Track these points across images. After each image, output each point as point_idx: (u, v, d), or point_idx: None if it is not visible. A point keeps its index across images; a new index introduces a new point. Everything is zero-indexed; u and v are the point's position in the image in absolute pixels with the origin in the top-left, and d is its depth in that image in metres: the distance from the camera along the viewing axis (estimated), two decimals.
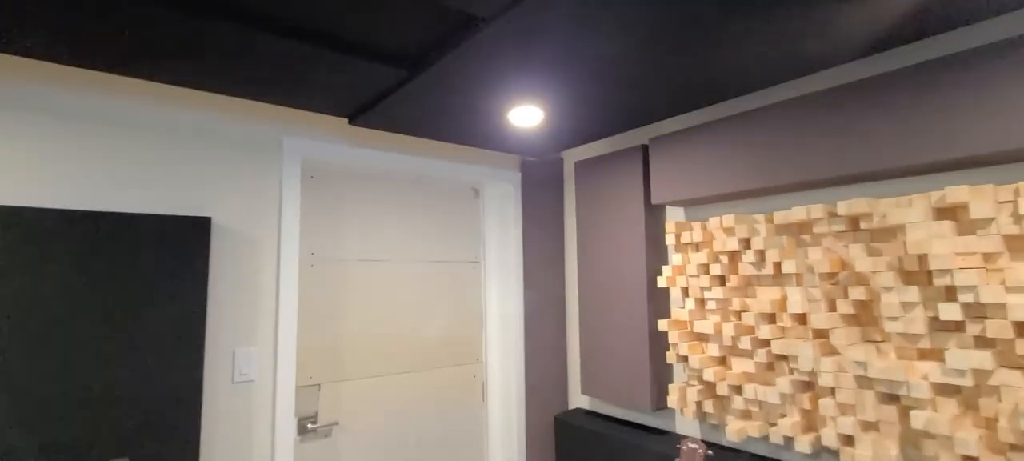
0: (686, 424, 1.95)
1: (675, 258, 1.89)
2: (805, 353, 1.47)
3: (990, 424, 1.21)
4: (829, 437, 1.43)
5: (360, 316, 2.15)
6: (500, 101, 1.71)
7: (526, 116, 1.85)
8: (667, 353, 1.87)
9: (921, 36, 1.35)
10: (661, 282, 1.89)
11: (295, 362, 1.83)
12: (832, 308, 1.47)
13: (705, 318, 1.79)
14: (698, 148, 1.78)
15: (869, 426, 1.38)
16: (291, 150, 1.87)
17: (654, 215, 2.03)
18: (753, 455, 1.71)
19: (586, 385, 2.21)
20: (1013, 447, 1.18)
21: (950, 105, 1.25)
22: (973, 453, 1.19)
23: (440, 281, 2.40)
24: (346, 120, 2.02)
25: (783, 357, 1.58)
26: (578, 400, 2.42)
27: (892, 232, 1.38)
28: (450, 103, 1.73)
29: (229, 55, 1.40)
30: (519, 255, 2.51)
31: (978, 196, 1.22)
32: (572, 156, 2.51)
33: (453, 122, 1.95)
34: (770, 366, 1.61)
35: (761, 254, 1.62)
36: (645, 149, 2.03)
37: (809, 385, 1.53)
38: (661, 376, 1.97)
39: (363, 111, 1.86)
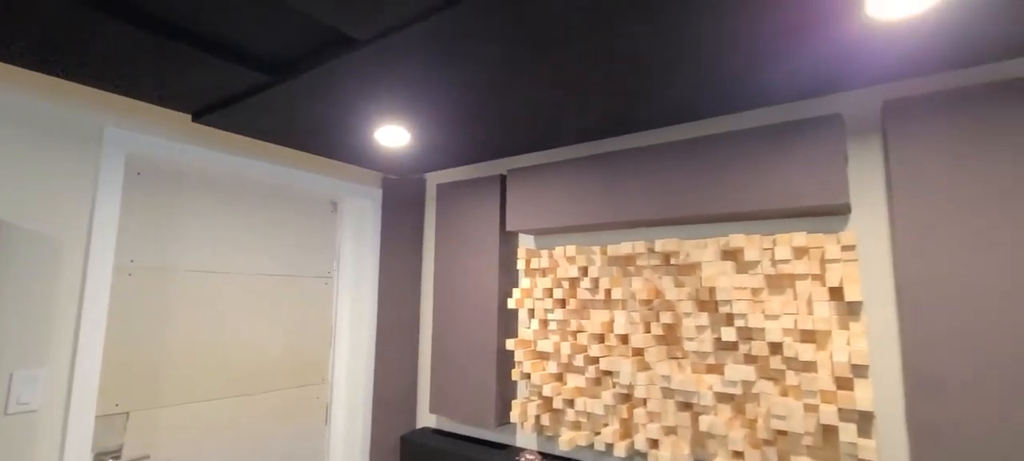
0: (526, 437, 2.09)
1: (524, 282, 2.04)
2: (625, 369, 1.70)
3: (752, 425, 1.52)
4: (640, 442, 1.66)
5: (186, 333, 1.92)
6: (368, 119, 1.71)
7: (392, 136, 1.87)
8: (512, 371, 2.00)
9: (725, 112, 1.68)
10: (511, 304, 2.02)
11: (97, 386, 1.57)
12: (647, 330, 1.72)
13: (547, 338, 1.96)
14: (551, 183, 1.97)
15: (669, 431, 1.64)
16: (114, 142, 1.64)
17: (508, 241, 2.17)
18: None
19: (434, 403, 2.24)
20: (767, 442, 1.50)
21: (735, 170, 1.57)
22: (740, 449, 1.48)
23: (286, 297, 2.25)
24: (189, 116, 1.83)
25: (608, 373, 1.80)
26: (426, 419, 2.44)
27: (693, 268, 1.68)
28: (315, 115, 1.69)
29: (49, 27, 1.21)
30: (375, 272, 2.48)
31: (750, 243, 1.55)
32: (435, 178, 2.58)
33: (316, 134, 1.89)
34: (598, 381, 1.82)
35: (596, 282, 1.83)
36: (503, 178, 2.18)
37: (627, 397, 1.76)
38: (505, 393, 2.09)
39: (212, 110, 1.71)
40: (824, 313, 1.41)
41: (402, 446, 2.29)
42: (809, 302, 1.45)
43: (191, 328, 1.93)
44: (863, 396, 1.33)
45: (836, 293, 1.44)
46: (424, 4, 1.08)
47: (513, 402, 1.97)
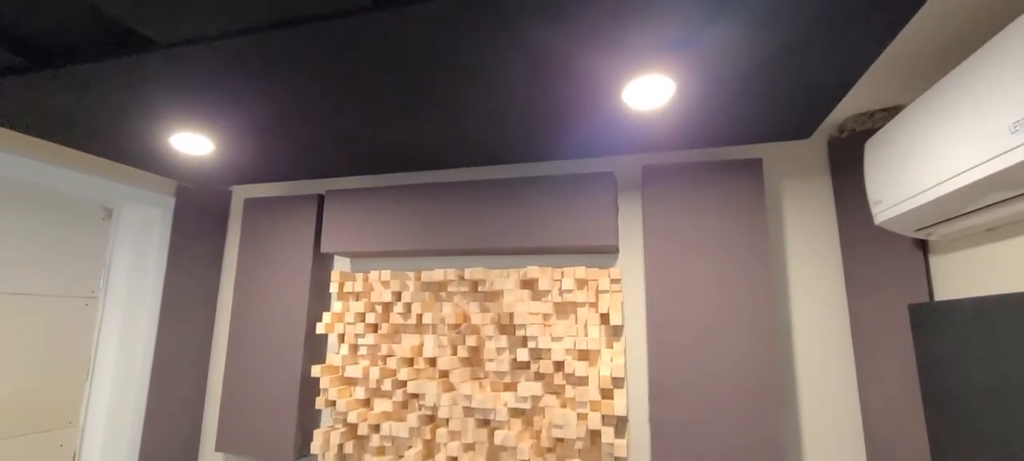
0: None
1: (336, 306, 2.00)
2: (431, 391, 1.77)
3: (538, 435, 1.72)
4: (441, 460, 1.74)
5: None
6: (162, 123, 1.53)
7: (192, 143, 1.69)
8: (317, 398, 1.92)
9: (527, 160, 1.92)
10: (320, 328, 1.95)
11: None
12: (454, 353, 1.83)
13: (356, 363, 1.93)
14: (370, 206, 1.98)
15: (469, 447, 1.75)
16: None
17: (322, 263, 2.11)
18: None
19: (222, 440, 2.02)
20: (549, 450, 1.71)
21: (534, 209, 1.80)
22: (527, 457, 1.66)
23: (27, 322, 1.82)
24: None
25: (415, 395, 1.85)
26: (210, 459, 2.17)
27: (496, 295, 1.86)
28: (95, 112, 1.45)
29: None
30: (157, 291, 2.16)
31: (543, 274, 1.78)
32: (243, 192, 2.38)
33: (95, 132, 1.61)
34: (405, 404, 1.86)
35: (408, 306, 1.89)
36: (321, 198, 2.12)
37: (431, 418, 1.83)
38: (307, 422, 1.98)
39: None
40: (596, 335, 1.69)
41: None
42: (585, 326, 1.73)
43: None
44: (619, 403, 1.62)
45: (605, 318, 1.74)
46: (224, 24, 1.05)
47: (315, 431, 1.88)
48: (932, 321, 1.21)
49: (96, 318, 2.06)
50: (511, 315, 1.78)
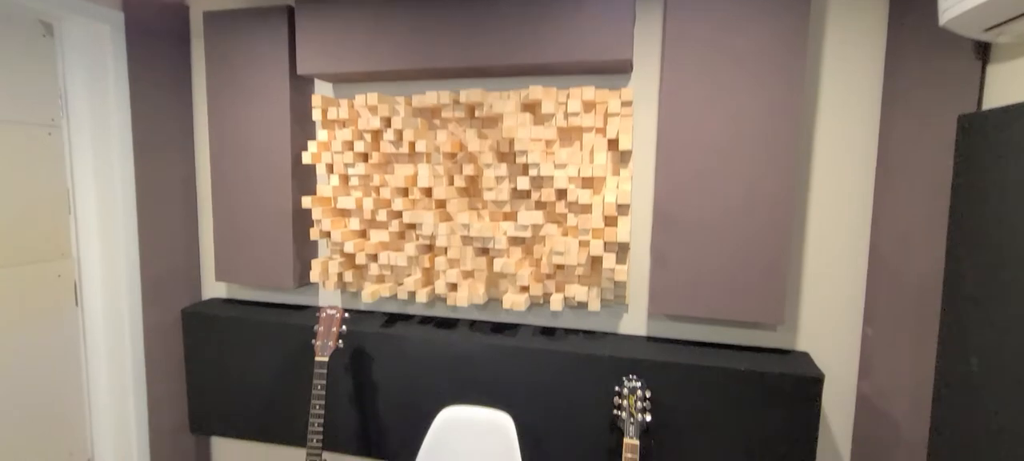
0: (328, 296, 2.03)
1: (321, 135, 1.85)
2: (428, 221, 1.71)
3: (537, 263, 1.70)
4: (440, 287, 1.74)
5: None
6: None
7: None
8: (311, 230, 1.87)
9: None
10: (306, 158, 1.83)
11: None
12: (451, 182, 1.73)
13: (348, 194, 1.84)
14: (350, 21, 1.72)
15: (468, 274, 1.74)
16: None
17: (300, 88, 1.91)
18: (384, 313, 1.94)
19: (222, 271, 2.01)
20: (549, 276, 1.70)
21: (536, 23, 1.56)
22: (526, 283, 1.65)
23: None
24: None
25: (412, 226, 1.79)
26: (214, 289, 2.19)
27: (495, 120, 1.70)
28: None
29: None
30: (126, 121, 1.98)
31: (547, 96, 1.61)
32: (202, 4, 2.07)
33: None
34: (401, 235, 1.81)
35: (400, 134, 1.74)
36: (291, 11, 1.85)
37: (429, 247, 1.80)
38: (304, 253, 1.96)
39: None
40: (602, 161, 1.58)
41: (184, 321, 2.04)
42: (591, 152, 1.60)
43: None
44: (623, 230, 1.57)
45: (613, 144, 1.61)
46: None
47: (313, 261, 1.86)
48: (986, 130, 1.09)
49: (64, 149, 1.91)
50: (511, 142, 1.64)
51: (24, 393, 1.82)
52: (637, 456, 1.45)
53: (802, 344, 1.60)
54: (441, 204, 1.75)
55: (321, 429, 1.61)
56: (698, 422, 1.54)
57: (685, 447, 1.56)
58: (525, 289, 1.69)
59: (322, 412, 1.61)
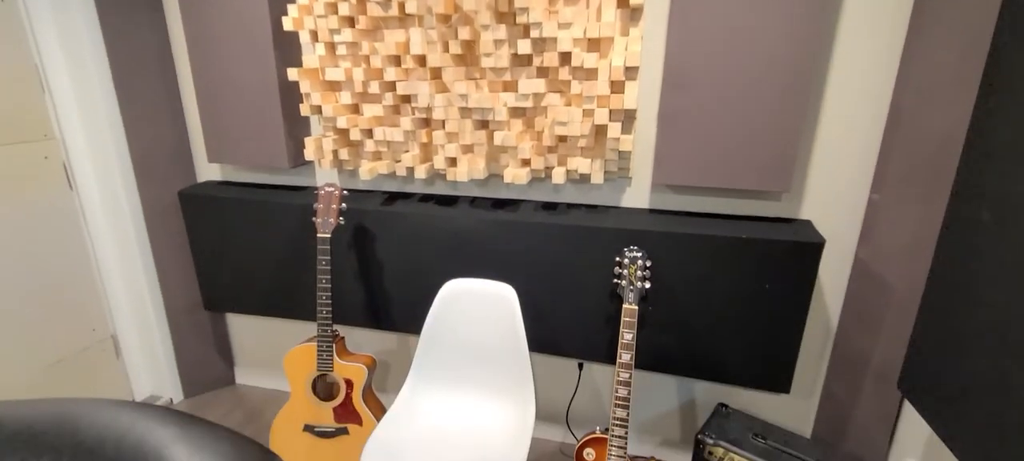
0: (325, 174, 1.99)
1: None
2: (423, 91, 1.61)
3: (539, 136, 1.63)
4: (439, 162, 1.69)
5: None
6: None
7: None
8: (301, 105, 1.78)
9: None
10: (287, 24, 1.68)
11: None
12: (446, 49, 1.60)
13: (337, 65, 1.72)
14: None
15: (467, 149, 1.69)
16: None
17: None
18: (384, 191, 1.92)
19: (213, 152, 1.95)
20: (550, 149, 1.64)
21: None
22: (528, 157, 1.60)
23: None
24: None
25: (406, 98, 1.70)
26: (208, 171, 2.15)
27: None
28: None
29: None
30: None
31: None
32: None
33: None
34: (396, 108, 1.72)
35: None
36: None
37: (426, 121, 1.72)
38: (297, 130, 1.89)
39: None
40: (610, 19, 1.44)
41: (182, 203, 2.02)
42: (599, 9, 1.46)
43: None
44: (630, 96, 1.48)
45: (622, 1, 1.46)
46: None
47: (306, 140, 1.79)
48: None
49: (22, 20, 1.75)
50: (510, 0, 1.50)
51: (37, 275, 1.85)
52: (635, 320, 1.50)
53: (806, 212, 1.59)
54: (436, 73, 1.64)
55: (330, 301, 1.66)
56: (695, 289, 1.58)
57: (681, 312, 1.61)
58: (527, 163, 1.65)
59: (329, 287, 1.65)
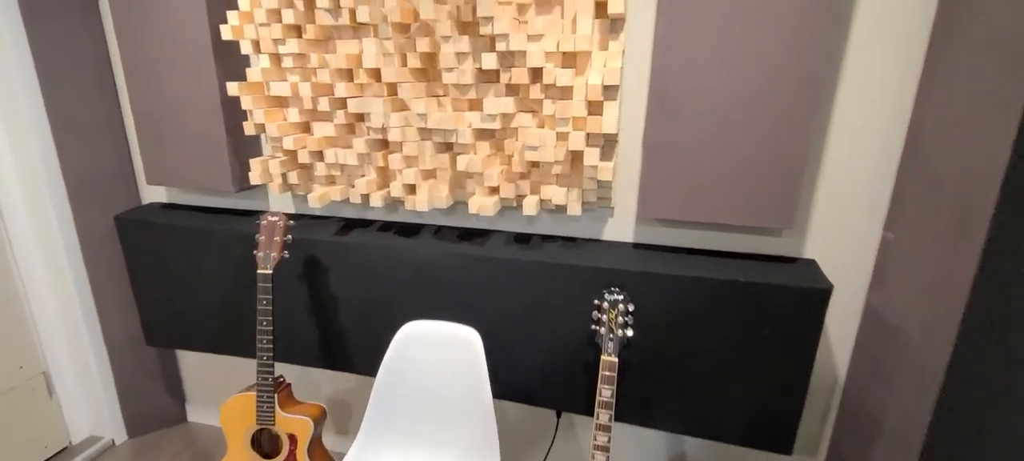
0: (279, 199, 1.80)
1: (243, 3, 1.50)
2: (376, 109, 1.43)
3: (509, 160, 1.44)
4: (397, 189, 1.50)
5: None
6: None
7: None
8: (244, 123, 1.59)
9: None
10: (226, 33, 1.50)
11: None
12: (404, 62, 1.42)
13: (284, 79, 1.54)
14: None
15: (428, 174, 1.50)
16: None
17: None
18: (342, 218, 1.73)
19: (152, 173, 1.76)
20: (522, 176, 1.45)
21: None
22: (496, 184, 1.41)
23: None
24: None
25: (360, 117, 1.51)
26: (154, 193, 1.95)
27: None
28: None
29: None
30: None
31: None
32: None
33: None
34: (350, 128, 1.54)
35: (336, 0, 1.40)
36: None
37: (384, 143, 1.53)
38: (245, 151, 1.69)
39: None
40: (587, 30, 1.26)
41: (119, 228, 1.82)
42: (574, 19, 1.28)
43: None
44: (609, 118, 1.29)
45: (601, 8, 1.28)
46: None
47: (252, 160, 1.61)
48: None
49: None
50: (474, 7, 1.31)
51: None
52: (615, 374, 1.30)
53: (810, 251, 1.40)
54: (393, 89, 1.45)
55: (271, 346, 1.46)
56: (685, 335, 1.39)
57: (669, 361, 1.42)
58: (494, 191, 1.46)
59: (270, 328, 1.45)
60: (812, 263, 1.38)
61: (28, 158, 1.75)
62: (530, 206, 1.40)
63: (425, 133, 1.44)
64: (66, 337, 1.96)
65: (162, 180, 1.76)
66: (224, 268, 1.71)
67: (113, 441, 2.12)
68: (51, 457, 1.99)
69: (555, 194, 1.39)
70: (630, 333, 1.32)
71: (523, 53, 1.31)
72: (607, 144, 1.40)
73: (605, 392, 1.30)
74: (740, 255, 1.43)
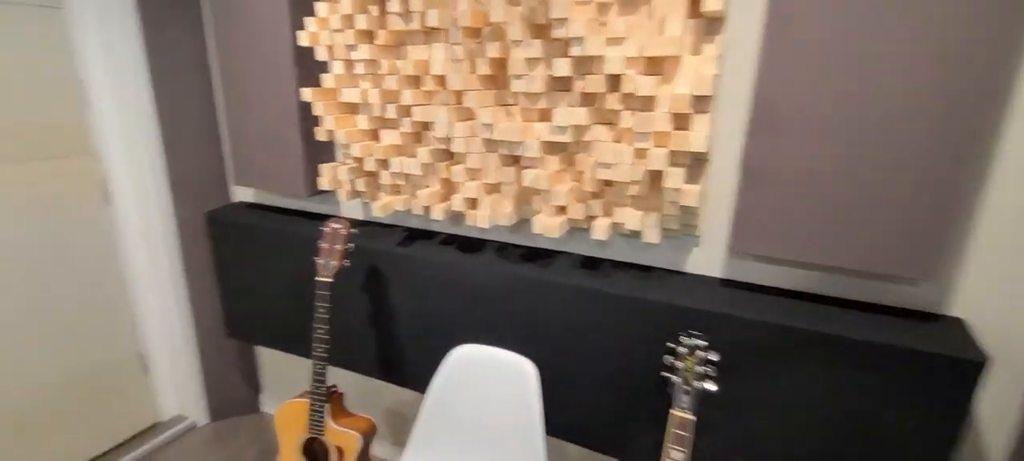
0: (349, 206, 1.80)
1: (320, 9, 1.50)
2: (441, 118, 1.35)
3: (580, 177, 1.30)
4: (458, 202, 1.41)
5: None
6: None
7: None
8: (316, 129, 1.60)
9: None
10: (303, 39, 1.51)
11: None
12: (472, 69, 1.33)
13: (356, 85, 1.52)
14: None
15: (492, 188, 1.39)
16: None
17: None
18: (405, 228, 1.68)
19: (240, 174, 1.84)
20: (594, 195, 1.30)
21: None
22: (563, 203, 1.27)
23: None
24: None
25: (427, 125, 1.45)
26: (242, 192, 2.05)
27: None
28: None
29: None
30: (126, 1, 1.76)
31: None
32: None
33: None
34: (416, 136, 1.48)
35: (406, 1, 1.35)
36: None
37: (448, 153, 1.46)
38: (319, 156, 1.71)
39: None
40: (676, 32, 1.09)
41: (208, 224, 1.92)
42: (662, 20, 1.11)
43: None
44: (699, 134, 1.11)
45: (695, 6, 1.10)
46: None
47: (322, 167, 1.61)
48: None
49: (70, 33, 1.74)
50: (547, 5, 1.19)
51: (70, 287, 1.83)
52: (689, 434, 1.11)
53: (957, 307, 1.10)
54: (459, 98, 1.37)
55: (325, 355, 1.44)
56: (780, 403, 1.15)
57: (758, 430, 1.19)
58: (562, 210, 1.32)
59: (326, 337, 1.43)
60: (959, 323, 1.09)
61: (138, 154, 1.90)
62: (600, 230, 1.25)
63: (490, 145, 1.34)
64: (161, 321, 2.11)
65: (248, 181, 1.84)
66: (293, 270, 1.73)
67: (195, 423, 2.25)
68: (142, 431, 2.15)
69: (630, 218, 1.22)
70: (711, 388, 1.12)
71: (600, 58, 1.16)
72: (694, 164, 1.21)
73: (675, 454, 1.11)
74: (859, 304, 1.17)
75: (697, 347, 1.14)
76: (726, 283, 1.28)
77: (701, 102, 1.13)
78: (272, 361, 2.27)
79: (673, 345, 1.18)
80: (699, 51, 1.13)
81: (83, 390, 1.92)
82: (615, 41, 1.14)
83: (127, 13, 1.76)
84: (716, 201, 1.24)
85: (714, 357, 1.14)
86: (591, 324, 1.31)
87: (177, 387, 2.21)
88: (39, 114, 1.69)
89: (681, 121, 1.14)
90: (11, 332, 1.71)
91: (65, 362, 1.86)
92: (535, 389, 1.29)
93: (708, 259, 1.30)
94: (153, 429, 2.17)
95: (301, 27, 1.55)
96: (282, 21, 1.54)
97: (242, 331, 2.00)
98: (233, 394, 2.29)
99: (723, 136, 1.19)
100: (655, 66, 1.15)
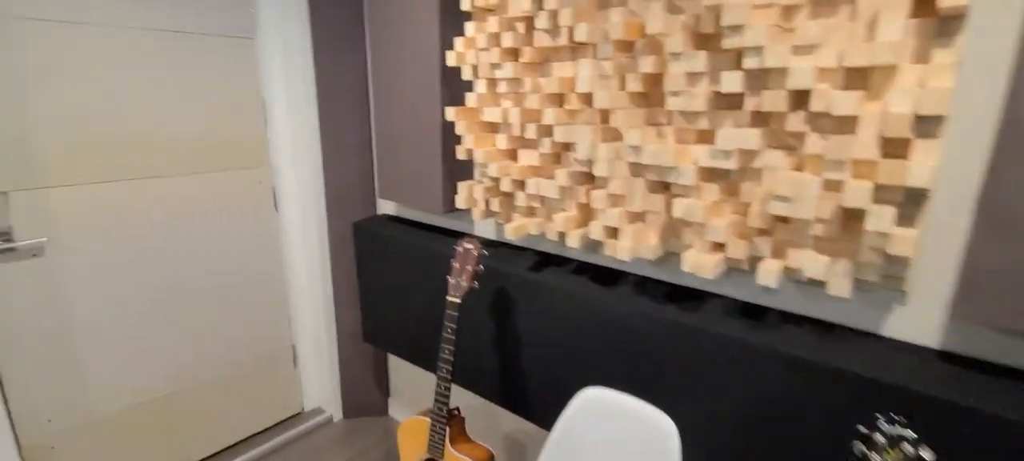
0: (483, 226, 1.78)
1: (469, 28, 1.51)
2: (583, 138, 1.25)
3: (745, 210, 1.10)
4: (596, 230, 1.30)
5: (61, 100, 1.57)
6: None
7: None
8: (457, 147, 1.60)
9: None
10: (450, 59, 1.52)
11: None
12: (622, 85, 1.22)
13: (498, 104, 1.50)
14: None
15: (636, 217, 1.25)
16: None
17: None
18: (538, 252, 1.60)
19: (384, 188, 1.93)
20: (761, 232, 1.10)
21: None
22: (722, 239, 1.09)
23: (196, 61, 1.82)
24: None
25: (568, 146, 1.36)
26: (386, 206, 2.17)
27: None
28: None
29: None
30: (305, 29, 1.96)
31: None
32: None
33: None
34: (556, 158, 1.40)
35: (554, 16, 1.28)
36: None
37: (589, 177, 1.35)
38: (458, 174, 1.72)
39: None
40: (892, 36, 0.86)
41: (354, 234, 2.05)
42: (872, 21, 0.89)
43: (66, 94, 1.57)
44: (922, 165, 0.86)
45: (926, 6, 0.86)
46: None
47: (459, 185, 1.61)
48: None
49: (258, 61, 1.99)
50: (718, 12, 1.03)
51: (240, 282, 2.08)
52: None
53: None
54: (605, 117, 1.26)
55: (449, 376, 1.41)
56: None
57: None
58: (719, 248, 1.14)
59: (451, 358, 1.40)
60: None
61: (303, 168, 2.10)
62: (768, 274, 1.04)
63: (637, 168, 1.21)
64: (310, 319, 2.30)
65: (391, 194, 1.92)
66: (424, 284, 1.76)
67: (331, 417, 2.41)
68: (288, 417, 2.36)
69: (811, 263, 1.00)
70: None
71: (782, 71, 0.97)
72: (909, 200, 0.95)
73: None
74: None
75: (902, 439, 0.88)
76: (944, 356, 0.98)
77: (927, 124, 0.88)
78: (402, 369, 2.35)
79: (867, 430, 0.92)
80: (926, 60, 0.88)
81: (242, 373, 2.16)
82: (804, 50, 0.94)
83: (305, 38, 1.96)
84: (936, 250, 0.96)
85: (928, 456, 0.87)
86: (749, 385, 1.10)
87: (320, 382, 2.39)
88: (232, 130, 1.95)
89: (894, 147, 0.90)
90: (192, 318, 1.97)
91: (230, 347, 2.10)
92: (676, 452, 1.11)
93: (918, 322, 1.02)
94: (297, 417, 2.37)
95: (450, 47, 1.58)
96: (433, 42, 1.58)
97: (376, 337, 2.10)
98: (365, 396, 2.42)
99: (952, 168, 0.92)
100: (857, 79, 0.93)
